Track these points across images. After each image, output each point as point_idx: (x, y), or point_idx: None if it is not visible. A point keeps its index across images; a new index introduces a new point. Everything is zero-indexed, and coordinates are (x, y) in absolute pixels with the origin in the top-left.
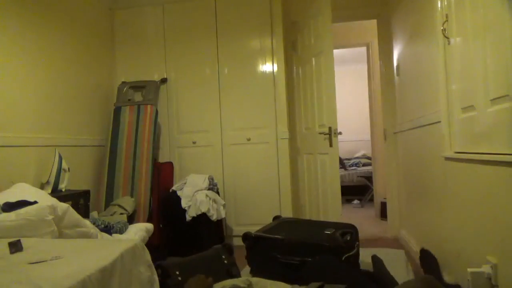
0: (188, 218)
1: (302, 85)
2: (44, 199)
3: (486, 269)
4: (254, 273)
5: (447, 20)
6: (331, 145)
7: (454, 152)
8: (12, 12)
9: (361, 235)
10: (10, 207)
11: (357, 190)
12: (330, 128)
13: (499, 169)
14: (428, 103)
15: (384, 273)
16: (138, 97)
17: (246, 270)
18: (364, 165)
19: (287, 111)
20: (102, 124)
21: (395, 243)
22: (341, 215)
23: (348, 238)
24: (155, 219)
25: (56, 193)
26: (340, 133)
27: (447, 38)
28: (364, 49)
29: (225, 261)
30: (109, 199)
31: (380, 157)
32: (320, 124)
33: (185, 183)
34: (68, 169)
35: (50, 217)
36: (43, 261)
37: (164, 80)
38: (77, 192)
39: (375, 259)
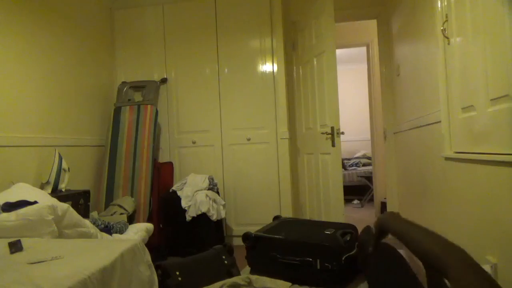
0: (188, 218)
1: (302, 85)
2: (44, 199)
3: (486, 269)
4: (254, 273)
5: (447, 20)
6: (333, 145)
7: (454, 152)
8: (11, 13)
9: None
10: (10, 207)
11: (357, 190)
12: (332, 128)
13: (499, 169)
14: (428, 103)
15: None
16: (138, 97)
17: (246, 270)
18: (364, 165)
19: (287, 111)
20: (102, 124)
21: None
22: (344, 214)
23: (348, 238)
24: (155, 219)
25: (56, 193)
26: (343, 133)
27: (447, 38)
28: (364, 49)
29: (226, 262)
30: (109, 199)
31: (380, 157)
32: (322, 124)
33: (185, 183)
34: (68, 169)
35: (50, 217)
36: (43, 261)
37: (164, 80)
38: (77, 192)
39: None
